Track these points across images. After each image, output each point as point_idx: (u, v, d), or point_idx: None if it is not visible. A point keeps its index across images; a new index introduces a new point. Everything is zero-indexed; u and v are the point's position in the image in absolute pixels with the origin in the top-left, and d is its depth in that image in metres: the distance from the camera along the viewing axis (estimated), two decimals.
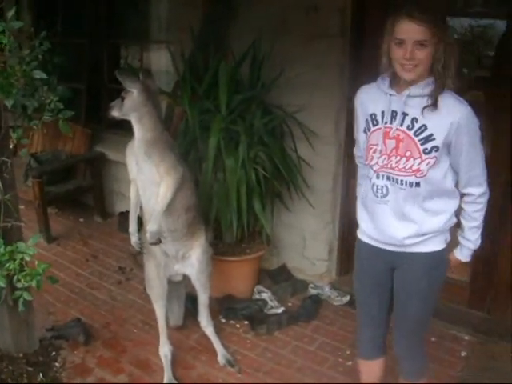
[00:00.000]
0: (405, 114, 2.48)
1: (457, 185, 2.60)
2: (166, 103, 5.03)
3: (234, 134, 4.13)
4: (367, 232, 2.76)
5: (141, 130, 3.41)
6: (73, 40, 6.63)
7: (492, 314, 4.24)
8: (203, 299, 3.86)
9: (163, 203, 3.37)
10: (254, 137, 4.17)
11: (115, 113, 3.46)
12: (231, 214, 4.10)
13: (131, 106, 3.39)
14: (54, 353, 3.96)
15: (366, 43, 4.15)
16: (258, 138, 4.20)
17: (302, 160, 4.42)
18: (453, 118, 2.39)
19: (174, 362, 3.83)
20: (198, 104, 4.19)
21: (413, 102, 2.46)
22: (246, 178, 4.09)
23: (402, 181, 2.52)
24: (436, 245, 2.64)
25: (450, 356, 3.91)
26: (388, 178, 2.56)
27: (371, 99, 2.61)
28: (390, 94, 2.52)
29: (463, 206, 2.62)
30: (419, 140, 2.45)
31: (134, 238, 3.63)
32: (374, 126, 2.58)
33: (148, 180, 3.41)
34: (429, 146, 2.44)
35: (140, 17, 6.62)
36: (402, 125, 2.49)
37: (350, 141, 4.29)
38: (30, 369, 3.71)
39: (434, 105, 2.41)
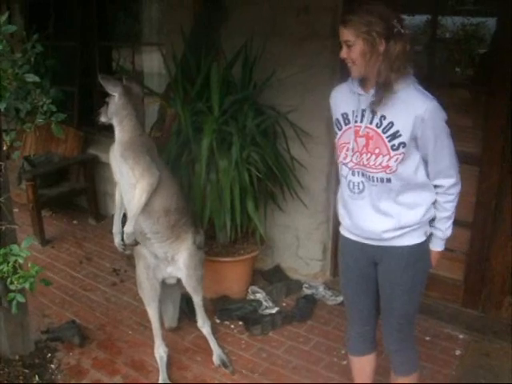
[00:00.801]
0: (374, 112, 2.52)
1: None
2: (159, 105, 5.06)
3: (227, 135, 4.14)
4: (348, 228, 2.80)
5: (120, 133, 3.47)
6: (65, 43, 6.64)
7: (486, 312, 4.26)
8: (196, 301, 3.86)
9: (138, 205, 3.40)
10: (246, 137, 4.18)
11: (103, 118, 3.53)
12: (225, 214, 4.11)
13: (113, 110, 3.45)
14: (49, 355, 3.96)
15: None
16: (250, 138, 4.21)
17: (295, 160, 4.44)
18: (417, 112, 2.42)
19: (170, 362, 3.84)
20: (191, 105, 4.20)
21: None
22: (239, 179, 4.10)
23: (373, 177, 2.57)
24: (415, 238, 2.67)
25: (445, 355, 3.92)
26: (363, 175, 2.61)
27: (343, 99, 2.67)
28: (359, 94, 2.57)
29: (435, 196, 2.64)
30: (387, 137, 2.49)
31: (117, 239, 3.66)
32: (345, 125, 2.64)
33: (126, 182, 3.46)
34: (396, 142, 2.48)
35: (131, 19, 6.64)
36: (371, 123, 2.53)
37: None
38: (26, 371, 3.72)
39: (379, 101, 2.47)
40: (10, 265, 2.71)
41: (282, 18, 4.33)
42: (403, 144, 2.46)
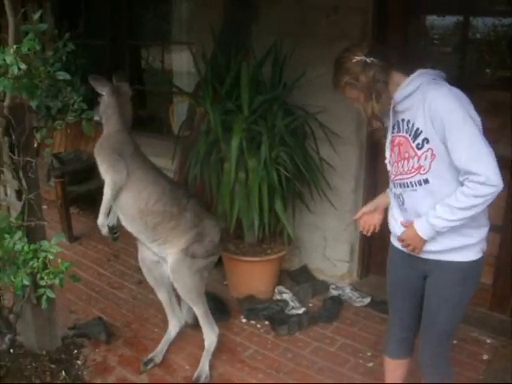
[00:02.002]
0: (402, 120, 2.57)
1: None
2: (188, 104, 5.06)
3: (256, 134, 4.13)
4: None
5: (105, 130, 3.64)
6: (95, 41, 6.68)
7: None
8: (196, 311, 3.81)
9: (104, 200, 3.60)
10: (275, 137, 4.18)
11: (96, 117, 3.62)
12: (253, 214, 4.11)
13: (102, 109, 3.59)
14: (75, 351, 3.99)
15: (387, 44, 4.15)
16: (279, 138, 4.20)
17: (324, 161, 4.42)
18: (424, 102, 2.43)
19: (194, 361, 3.85)
20: (220, 104, 4.20)
21: (402, 106, 2.55)
22: (268, 178, 4.10)
23: (411, 182, 2.57)
24: (473, 254, 2.59)
25: (472, 359, 3.87)
26: (400, 186, 2.63)
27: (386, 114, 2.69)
28: (392, 108, 2.59)
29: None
30: (411, 138, 2.51)
31: (103, 230, 3.73)
32: (386, 138, 2.70)
33: (102, 177, 3.61)
34: (419, 140, 2.48)
35: (161, 18, 6.65)
36: (402, 131, 2.58)
37: (371, 143, 4.30)
38: (52, 366, 3.74)
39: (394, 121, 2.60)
40: (40, 260, 2.74)
41: (312, 19, 4.31)
42: (426, 140, 2.45)
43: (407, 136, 2.53)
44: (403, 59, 3.74)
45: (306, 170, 4.22)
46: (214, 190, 4.26)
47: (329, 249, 4.81)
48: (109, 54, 6.66)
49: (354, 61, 2.48)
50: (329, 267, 4.86)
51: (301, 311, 4.39)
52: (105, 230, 3.65)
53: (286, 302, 4.44)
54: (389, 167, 2.72)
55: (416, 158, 2.51)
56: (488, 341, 4.06)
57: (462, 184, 2.42)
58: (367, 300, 4.53)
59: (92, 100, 3.54)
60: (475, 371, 3.76)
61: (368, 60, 2.46)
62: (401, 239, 2.66)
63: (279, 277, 4.75)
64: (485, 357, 3.91)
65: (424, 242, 2.57)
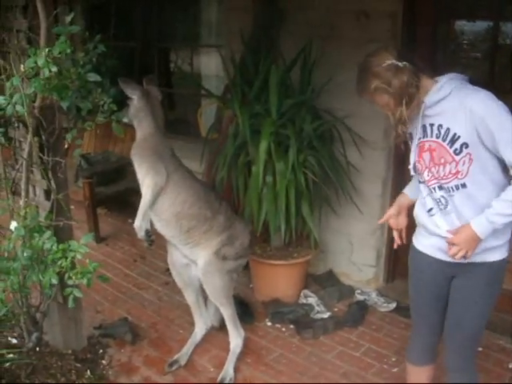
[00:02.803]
0: (431, 125, 2.53)
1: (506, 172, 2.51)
2: (217, 107, 5.08)
3: (284, 138, 4.14)
4: (430, 243, 2.73)
5: (138, 134, 3.64)
6: (125, 43, 6.73)
7: None
8: (224, 313, 3.84)
9: (143, 202, 3.52)
10: (303, 141, 4.18)
11: (125, 119, 3.63)
12: (280, 217, 4.11)
13: (133, 112, 3.61)
14: (101, 351, 4.02)
15: (417, 49, 4.14)
16: (307, 142, 4.20)
17: (351, 165, 4.42)
18: (465, 109, 2.39)
19: (218, 364, 3.86)
20: (249, 108, 4.21)
21: (433, 111, 2.52)
22: (296, 182, 4.10)
23: (449, 187, 2.54)
24: (500, 254, 2.60)
25: (497, 367, 3.84)
26: (440, 188, 2.58)
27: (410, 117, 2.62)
28: (418, 112, 2.55)
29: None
30: (448, 144, 2.47)
31: (141, 233, 3.63)
32: (412, 144, 2.67)
33: (139, 180, 3.58)
34: (457, 145, 2.45)
35: (190, 21, 6.68)
36: (431, 135, 2.54)
37: (399, 147, 4.28)
38: (78, 365, 3.77)
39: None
40: (68, 260, 2.76)
41: (341, 22, 4.31)
42: (465, 145, 2.43)
43: (440, 141, 2.50)
44: (431, 63, 3.73)
45: (333, 174, 4.22)
46: (241, 193, 4.27)
47: (355, 253, 4.80)
48: (138, 57, 6.71)
49: (385, 65, 2.44)
50: (355, 272, 4.85)
51: (326, 315, 4.39)
52: (142, 234, 3.57)
53: (311, 306, 4.43)
54: (412, 172, 2.69)
55: (454, 164, 2.48)
56: None
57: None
58: (393, 305, 4.51)
59: (122, 102, 3.56)
60: (500, 379, 3.73)
61: (400, 64, 2.43)
62: (452, 243, 2.55)
63: (305, 281, 4.74)
64: (510, 365, 3.87)
65: (479, 242, 2.53)
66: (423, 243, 2.79)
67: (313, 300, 4.50)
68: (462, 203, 2.54)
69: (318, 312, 4.40)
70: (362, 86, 2.57)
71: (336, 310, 4.56)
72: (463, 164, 2.46)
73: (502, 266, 2.65)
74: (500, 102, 2.41)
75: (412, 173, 2.71)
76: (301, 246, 4.61)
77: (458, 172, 2.48)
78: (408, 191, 2.98)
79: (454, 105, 2.43)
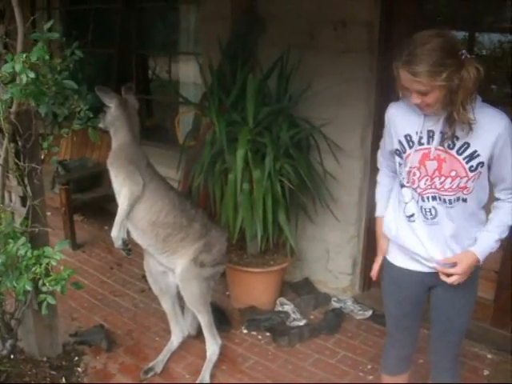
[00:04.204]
0: (443, 133, 2.41)
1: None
2: (194, 114, 5.08)
3: (261, 145, 4.15)
4: (409, 255, 2.70)
5: (114, 143, 3.63)
6: (103, 50, 6.72)
7: None
8: (201, 321, 3.83)
9: (120, 212, 3.53)
10: (280, 149, 4.19)
11: (101, 125, 3.64)
12: (256, 225, 4.11)
13: (109, 120, 3.61)
14: (76, 358, 3.99)
15: (393, 58, 4.17)
16: (284, 150, 4.21)
17: (328, 173, 4.43)
18: (495, 131, 2.34)
19: (194, 371, 3.86)
20: (226, 116, 4.22)
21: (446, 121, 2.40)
22: (272, 190, 4.11)
23: (450, 200, 2.49)
24: None
25: (473, 374, 3.86)
26: (434, 199, 2.52)
27: (405, 119, 2.54)
28: (424, 114, 2.45)
29: (503, 204, 2.53)
30: (464, 158, 2.40)
31: (118, 243, 3.64)
32: (410, 147, 2.51)
33: (115, 189, 3.59)
34: (474, 163, 2.39)
35: (169, 28, 6.69)
36: (441, 144, 2.43)
37: (375, 156, 4.31)
38: (53, 373, 3.74)
39: (452, 135, 2.38)
40: (42, 267, 2.75)
41: (319, 31, 4.33)
42: (481, 164, 2.39)
43: (454, 154, 2.41)
44: None
45: (310, 182, 4.23)
46: (217, 201, 4.27)
47: (331, 261, 4.81)
48: (117, 63, 6.69)
49: (461, 48, 2.29)
50: (331, 280, 4.87)
51: (302, 323, 4.40)
52: (119, 243, 3.59)
53: (287, 314, 4.44)
54: (412, 179, 2.55)
55: (465, 179, 2.42)
56: (489, 356, 4.05)
57: (501, 201, 2.54)
58: (368, 313, 4.53)
59: (99, 108, 3.56)
60: None
61: (469, 56, 2.31)
62: (456, 273, 2.52)
63: (281, 288, 4.74)
64: (485, 372, 3.90)
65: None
66: (399, 257, 2.77)
67: (289, 308, 4.51)
68: (459, 215, 2.52)
69: (294, 320, 4.41)
70: (428, 69, 2.24)
71: (312, 317, 4.57)
72: (473, 181, 2.43)
73: (477, 273, 2.67)
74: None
75: (379, 165, 2.74)
76: (277, 254, 4.62)
77: (465, 187, 2.44)
78: (381, 213, 2.92)
79: (479, 122, 2.33)
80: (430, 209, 2.54)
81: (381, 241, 2.90)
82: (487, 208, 2.60)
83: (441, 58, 2.23)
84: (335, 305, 4.64)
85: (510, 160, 2.41)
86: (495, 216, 2.53)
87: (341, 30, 4.24)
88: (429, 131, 2.45)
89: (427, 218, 2.56)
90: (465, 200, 2.48)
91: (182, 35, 6.45)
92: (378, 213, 2.92)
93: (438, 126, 2.42)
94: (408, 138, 2.51)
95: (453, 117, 2.33)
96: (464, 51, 2.29)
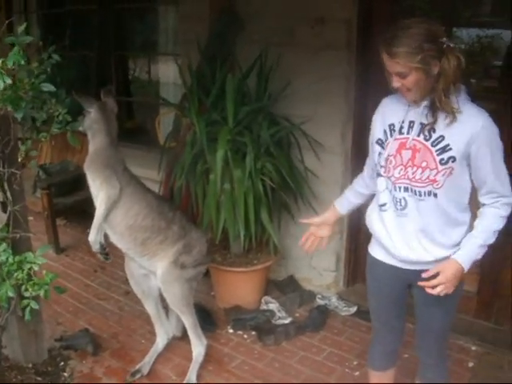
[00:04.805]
0: (422, 124, 2.46)
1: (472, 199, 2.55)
2: (174, 115, 5.07)
3: (241, 145, 4.15)
4: (382, 248, 2.73)
5: (91, 146, 3.63)
6: (81, 52, 6.70)
7: (499, 324, 4.24)
8: (185, 322, 3.83)
9: (97, 216, 3.53)
10: (260, 148, 4.20)
11: (81, 128, 3.60)
12: (239, 224, 4.11)
13: (88, 124, 3.60)
14: (62, 363, 3.97)
15: (372, 55, 4.18)
16: (264, 149, 4.22)
17: (309, 171, 4.44)
18: (473, 128, 2.36)
19: (181, 372, 3.86)
20: (206, 116, 4.22)
21: (428, 112, 2.45)
22: (254, 189, 4.11)
23: (420, 192, 2.49)
24: None
25: (457, 367, 3.88)
26: (406, 190, 2.53)
27: (391, 110, 2.59)
28: (409, 105, 2.50)
29: (488, 209, 2.52)
30: (436, 150, 2.42)
31: (95, 247, 3.64)
32: (391, 136, 2.56)
33: (92, 193, 3.60)
34: (445, 156, 2.40)
35: (148, 29, 6.67)
36: (418, 135, 2.47)
37: (356, 151, 4.33)
38: (38, 378, 3.73)
39: (431, 126, 2.42)
40: (24, 272, 2.74)
41: (298, 29, 4.34)
42: (453, 158, 2.40)
43: (428, 145, 2.44)
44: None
45: (292, 180, 4.23)
46: (199, 201, 4.27)
47: (315, 258, 4.82)
48: (96, 66, 6.67)
49: (442, 36, 2.32)
50: (315, 277, 4.88)
51: (287, 321, 4.40)
52: (97, 247, 3.59)
53: (272, 312, 4.44)
54: (387, 167, 2.57)
55: (435, 172, 2.43)
56: (473, 348, 4.09)
57: (486, 206, 2.51)
58: (353, 309, 4.55)
59: (77, 112, 3.55)
60: (461, 379, 3.77)
61: (451, 44, 2.34)
62: (439, 283, 2.45)
63: (266, 287, 4.75)
64: (470, 364, 3.94)
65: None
66: (378, 251, 2.79)
67: (274, 306, 4.51)
68: (429, 210, 2.52)
69: (279, 318, 4.42)
70: (406, 50, 2.30)
71: (297, 315, 4.58)
72: (443, 175, 2.43)
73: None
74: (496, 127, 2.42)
75: (377, 161, 2.65)
76: (261, 253, 4.63)
77: (434, 180, 2.44)
78: (339, 204, 3.03)
79: (458, 117, 2.37)
80: (400, 199, 2.56)
81: (328, 212, 3.04)
82: (474, 213, 2.59)
83: (419, 41, 2.28)
84: (320, 302, 4.65)
85: (489, 161, 2.41)
86: (480, 222, 2.52)
87: (319, 27, 4.25)
88: (410, 121, 2.49)
89: (397, 209, 2.58)
90: (435, 195, 2.48)
91: (161, 36, 6.44)
92: (335, 202, 3.05)
93: (419, 117, 2.46)
94: (391, 127, 2.56)
95: (435, 105, 2.38)
96: (446, 39, 2.32)
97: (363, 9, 4.17)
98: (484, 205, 2.53)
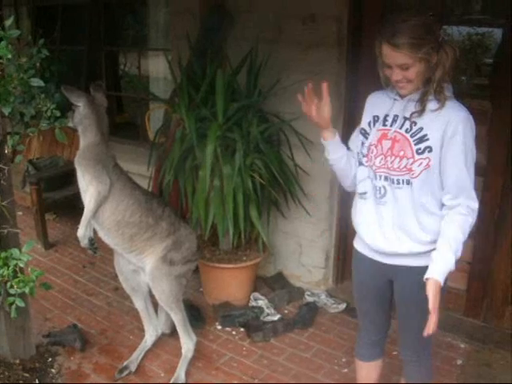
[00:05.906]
0: (405, 118, 2.53)
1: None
2: (164, 110, 5.06)
3: (231, 141, 4.14)
4: (364, 243, 2.76)
5: (82, 141, 3.60)
6: (71, 47, 6.67)
7: (488, 321, 4.26)
8: (174, 319, 3.81)
9: (86, 211, 3.51)
10: (250, 144, 4.19)
11: (70, 123, 3.58)
12: (228, 221, 4.10)
13: (77, 118, 3.56)
14: (50, 359, 3.96)
15: (362, 52, 4.19)
16: (254, 145, 4.21)
17: (299, 168, 4.43)
18: (451, 118, 2.42)
19: (169, 369, 3.85)
20: (195, 111, 4.20)
21: (412, 106, 2.51)
22: (243, 186, 4.10)
23: (398, 180, 2.54)
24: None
25: (446, 364, 3.90)
26: (386, 179, 2.58)
27: (378, 103, 2.68)
28: (395, 99, 2.58)
29: (456, 217, 2.49)
30: (414, 140, 2.48)
31: (84, 242, 3.62)
32: (374, 126, 2.64)
33: (81, 188, 3.59)
34: (422, 146, 2.46)
35: (138, 24, 6.65)
36: (401, 128, 2.53)
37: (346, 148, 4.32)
38: (26, 375, 3.71)
39: (422, 110, 2.48)
40: (10, 269, 2.72)
41: (288, 26, 4.33)
42: (429, 148, 2.45)
43: (407, 136, 2.50)
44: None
45: (281, 177, 4.22)
46: (188, 197, 4.26)
47: (304, 255, 4.82)
48: (86, 60, 6.64)
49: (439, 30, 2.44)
50: (304, 274, 4.88)
51: (276, 318, 4.40)
52: (85, 242, 3.57)
53: (261, 309, 4.44)
54: (369, 156, 2.62)
55: (411, 161, 2.49)
56: (462, 345, 4.10)
57: (453, 211, 2.49)
58: (342, 306, 4.55)
59: (67, 107, 3.53)
60: (449, 376, 3.80)
61: (446, 37, 2.43)
62: (435, 306, 2.42)
63: (255, 283, 4.75)
64: (458, 362, 3.95)
65: None
66: (360, 243, 2.83)
67: (263, 302, 4.51)
68: (404, 198, 2.55)
69: (267, 314, 4.41)
70: (410, 41, 2.36)
71: (286, 312, 4.59)
72: (419, 165, 2.47)
73: None
74: (473, 131, 2.47)
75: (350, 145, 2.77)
76: (250, 250, 4.62)
77: (411, 170, 2.49)
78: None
79: (441, 111, 2.45)
80: (380, 187, 2.61)
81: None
82: None
83: (422, 32, 2.36)
84: (309, 299, 4.66)
85: (460, 152, 2.43)
86: (446, 231, 2.49)
87: (310, 24, 4.24)
88: (394, 115, 2.58)
89: (377, 197, 2.64)
90: (411, 184, 2.51)
91: (152, 31, 6.41)
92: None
93: (402, 112, 2.55)
94: (376, 118, 2.66)
95: (425, 97, 2.47)
96: (441, 34, 2.44)
97: (354, 5, 4.17)
98: (444, 206, 2.53)
